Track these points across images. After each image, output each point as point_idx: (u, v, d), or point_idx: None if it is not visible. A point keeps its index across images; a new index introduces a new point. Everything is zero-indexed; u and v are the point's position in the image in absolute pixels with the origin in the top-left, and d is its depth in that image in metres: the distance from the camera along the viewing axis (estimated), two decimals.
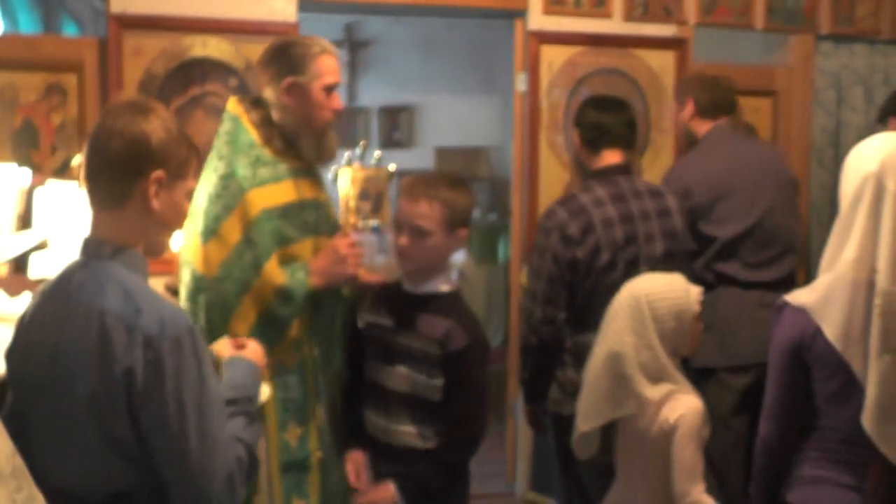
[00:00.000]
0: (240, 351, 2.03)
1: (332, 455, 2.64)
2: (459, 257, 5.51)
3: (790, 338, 2.24)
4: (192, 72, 3.74)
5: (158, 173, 1.71)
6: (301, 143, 2.61)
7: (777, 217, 3.52)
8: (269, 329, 2.47)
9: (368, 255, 5.53)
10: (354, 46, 7.56)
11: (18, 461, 1.24)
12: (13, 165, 3.19)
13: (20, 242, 2.95)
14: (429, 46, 7.42)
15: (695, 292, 2.55)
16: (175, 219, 1.81)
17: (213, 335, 2.32)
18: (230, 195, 2.47)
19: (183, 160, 1.77)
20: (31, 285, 2.82)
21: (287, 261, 2.55)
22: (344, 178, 5.53)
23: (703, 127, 3.65)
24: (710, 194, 3.44)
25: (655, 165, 4.32)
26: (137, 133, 1.69)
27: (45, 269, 2.94)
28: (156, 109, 1.76)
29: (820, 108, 4.56)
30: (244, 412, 1.84)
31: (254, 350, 2.05)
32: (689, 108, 3.66)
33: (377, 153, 6.42)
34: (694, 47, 4.33)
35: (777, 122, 4.53)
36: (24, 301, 2.69)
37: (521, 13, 4.18)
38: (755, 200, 3.47)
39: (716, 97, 3.65)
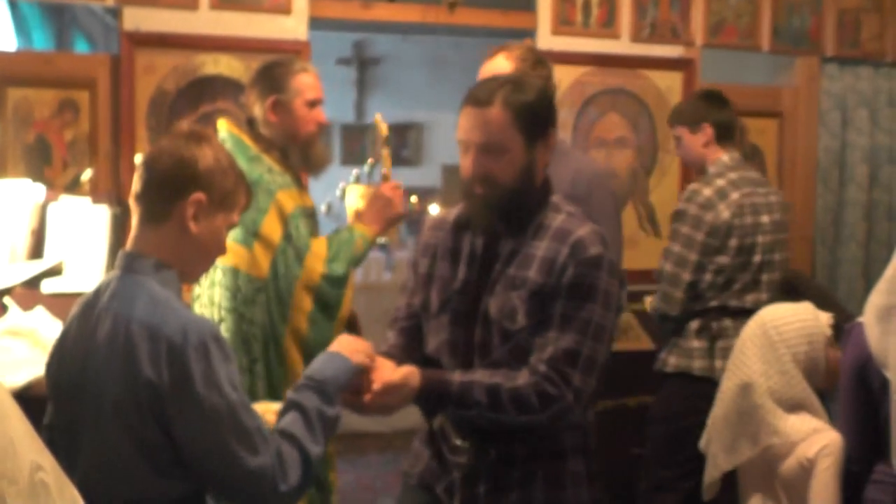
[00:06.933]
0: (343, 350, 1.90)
1: None
2: None
3: (854, 358, 2.25)
4: (204, 89, 3.76)
5: (199, 196, 1.76)
6: (290, 156, 2.77)
7: None
8: (324, 313, 2.66)
9: (376, 273, 5.54)
10: (363, 64, 7.61)
11: (59, 472, 1.26)
12: (27, 181, 3.23)
13: (34, 267, 2.98)
14: (436, 64, 7.46)
15: (824, 317, 2.47)
16: (214, 247, 1.84)
17: (274, 331, 2.62)
18: (260, 198, 2.60)
19: (228, 191, 1.81)
20: (44, 300, 2.85)
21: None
22: (351, 196, 5.55)
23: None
24: None
25: (662, 186, 4.35)
26: (186, 155, 1.77)
27: (57, 284, 2.96)
28: (210, 140, 1.83)
29: (825, 129, 4.58)
30: (302, 408, 1.76)
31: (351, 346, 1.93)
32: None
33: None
34: (701, 68, 4.36)
35: (783, 143, 4.55)
36: (36, 315, 2.72)
37: (530, 33, 4.21)
38: None
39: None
